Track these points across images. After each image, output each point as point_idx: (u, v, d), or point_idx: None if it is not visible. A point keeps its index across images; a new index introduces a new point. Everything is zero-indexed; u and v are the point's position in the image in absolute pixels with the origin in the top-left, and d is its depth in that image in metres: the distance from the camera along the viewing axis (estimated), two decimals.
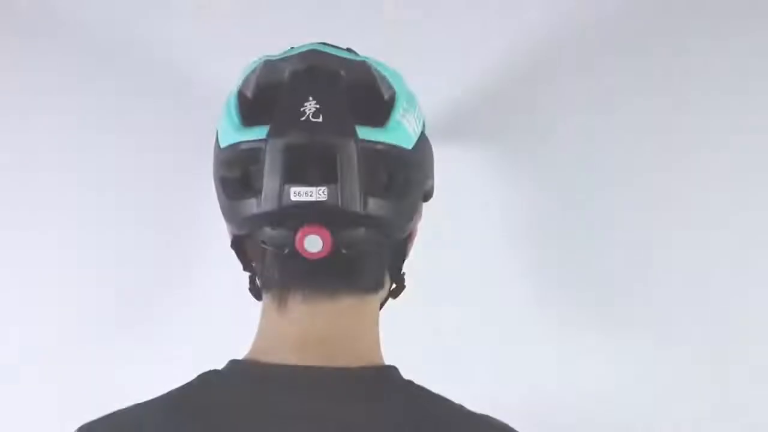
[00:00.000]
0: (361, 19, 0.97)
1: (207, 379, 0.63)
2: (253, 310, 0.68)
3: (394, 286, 0.71)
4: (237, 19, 0.99)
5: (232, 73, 0.68)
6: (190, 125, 0.95)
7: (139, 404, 0.63)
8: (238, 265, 0.69)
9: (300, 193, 0.59)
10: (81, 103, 0.99)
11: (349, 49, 0.68)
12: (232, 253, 0.68)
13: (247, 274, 0.70)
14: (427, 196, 0.70)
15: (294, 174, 0.59)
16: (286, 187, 0.59)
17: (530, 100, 0.98)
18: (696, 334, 0.94)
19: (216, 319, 0.97)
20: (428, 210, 0.71)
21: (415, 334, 0.93)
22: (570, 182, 0.98)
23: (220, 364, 0.64)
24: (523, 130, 0.98)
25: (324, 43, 0.66)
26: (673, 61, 0.96)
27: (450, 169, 0.80)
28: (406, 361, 0.65)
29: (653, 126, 0.97)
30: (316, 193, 0.59)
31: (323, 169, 0.59)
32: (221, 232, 0.69)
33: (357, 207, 0.59)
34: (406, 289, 0.72)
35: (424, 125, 0.69)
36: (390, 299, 0.72)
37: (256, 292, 0.70)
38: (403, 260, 0.70)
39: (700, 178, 0.96)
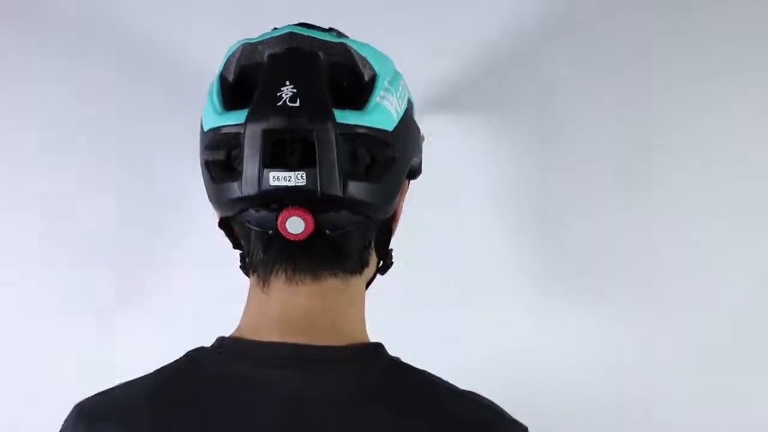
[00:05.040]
0: None
1: (194, 357, 0.64)
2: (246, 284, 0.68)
3: (381, 263, 0.71)
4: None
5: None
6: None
7: (131, 382, 0.65)
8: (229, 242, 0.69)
9: (279, 178, 0.59)
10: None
11: (331, 29, 0.67)
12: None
13: (238, 252, 0.70)
14: (413, 173, 0.70)
15: (272, 159, 0.59)
16: (265, 171, 0.59)
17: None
18: (695, 317, 0.94)
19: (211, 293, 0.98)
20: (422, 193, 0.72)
21: (409, 319, 0.93)
22: (571, 168, 0.97)
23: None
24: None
25: (305, 24, 0.66)
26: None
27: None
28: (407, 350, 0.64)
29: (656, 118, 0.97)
30: (295, 178, 0.59)
31: (301, 154, 0.59)
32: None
33: (336, 191, 0.59)
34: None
35: (410, 102, 0.68)
36: (379, 275, 0.72)
37: (246, 270, 0.70)
38: (389, 238, 0.70)
39: (701, 167, 0.96)
